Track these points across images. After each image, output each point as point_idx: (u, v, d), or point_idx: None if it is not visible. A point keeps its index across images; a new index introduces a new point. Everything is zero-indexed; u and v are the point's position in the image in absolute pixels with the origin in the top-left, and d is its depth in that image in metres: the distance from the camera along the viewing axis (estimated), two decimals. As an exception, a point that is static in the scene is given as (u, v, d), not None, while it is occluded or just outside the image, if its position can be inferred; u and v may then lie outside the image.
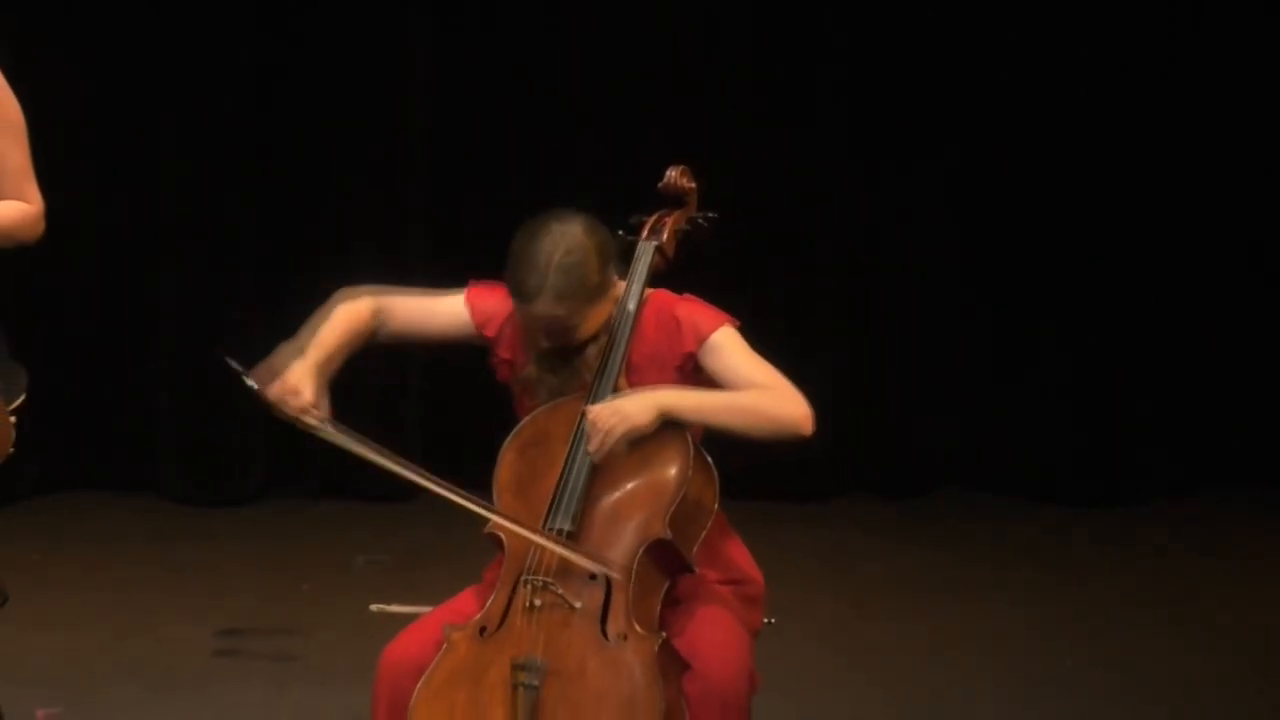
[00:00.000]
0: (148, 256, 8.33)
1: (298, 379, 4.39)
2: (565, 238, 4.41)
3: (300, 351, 4.47)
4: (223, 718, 6.14)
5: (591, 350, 4.57)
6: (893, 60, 8.30)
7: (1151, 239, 8.41)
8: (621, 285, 4.52)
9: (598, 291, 4.44)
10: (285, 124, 8.21)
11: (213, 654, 6.70)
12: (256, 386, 4.39)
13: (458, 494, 4.37)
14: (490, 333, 4.57)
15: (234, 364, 4.41)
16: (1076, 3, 8.31)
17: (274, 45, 8.21)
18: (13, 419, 4.58)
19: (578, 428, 4.43)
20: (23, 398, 4.67)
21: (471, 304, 4.58)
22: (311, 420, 4.38)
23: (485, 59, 8.20)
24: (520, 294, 4.38)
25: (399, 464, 4.39)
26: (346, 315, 4.55)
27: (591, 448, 4.40)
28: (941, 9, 8.32)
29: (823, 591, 7.34)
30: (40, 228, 4.77)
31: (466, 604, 4.51)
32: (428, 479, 4.38)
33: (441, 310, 4.64)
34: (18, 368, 4.71)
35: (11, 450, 4.60)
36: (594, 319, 4.48)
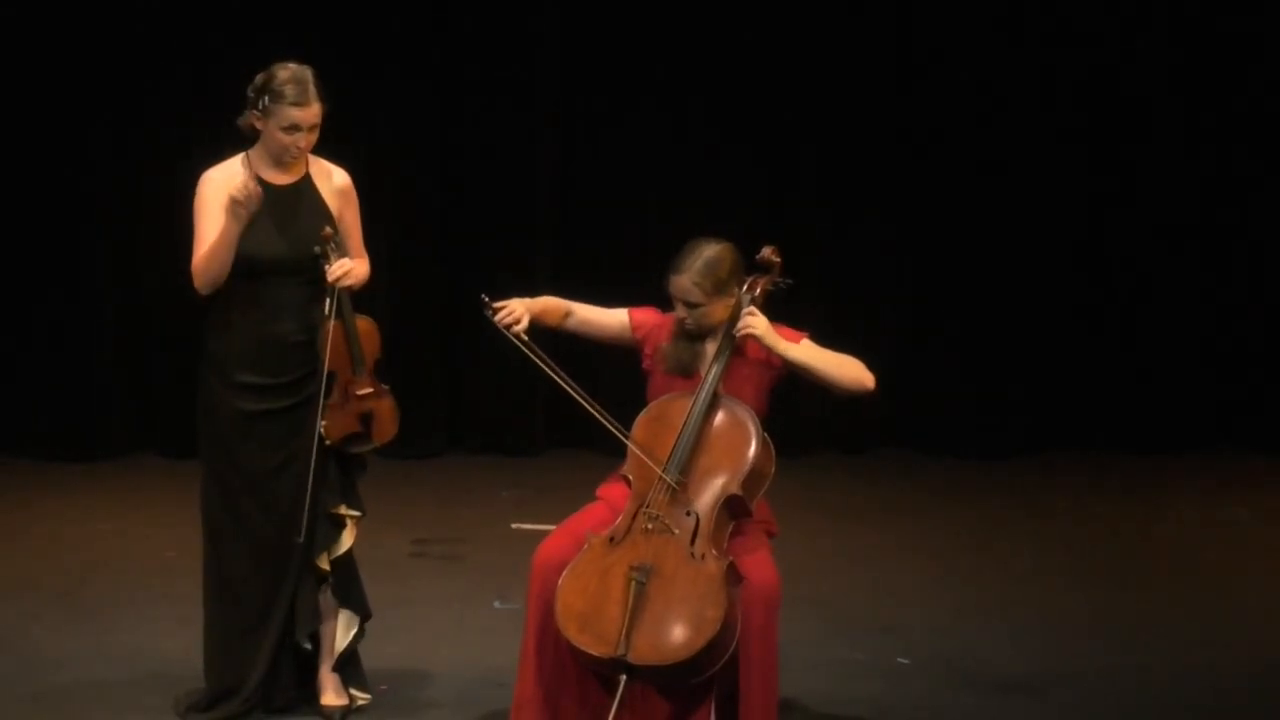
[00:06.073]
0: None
1: (516, 305, 5.15)
2: (716, 248, 5.22)
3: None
4: (412, 597, 6.91)
5: (710, 346, 5.23)
6: (852, 133, 9.11)
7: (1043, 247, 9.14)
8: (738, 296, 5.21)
9: (722, 287, 5.18)
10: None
11: (408, 555, 7.60)
12: (490, 304, 5.04)
13: (609, 421, 5.03)
14: (640, 335, 5.34)
15: (485, 297, 5.08)
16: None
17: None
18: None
19: (688, 414, 5.11)
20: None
21: (632, 317, 5.36)
22: (516, 336, 5.03)
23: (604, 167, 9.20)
24: (676, 267, 5.18)
25: (565, 380, 5.00)
26: (552, 298, 5.35)
27: (741, 326, 5.10)
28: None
29: (810, 514, 8.23)
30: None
31: (596, 514, 5.16)
32: (581, 396, 5.03)
33: (611, 317, 5.35)
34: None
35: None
36: (715, 310, 5.18)
